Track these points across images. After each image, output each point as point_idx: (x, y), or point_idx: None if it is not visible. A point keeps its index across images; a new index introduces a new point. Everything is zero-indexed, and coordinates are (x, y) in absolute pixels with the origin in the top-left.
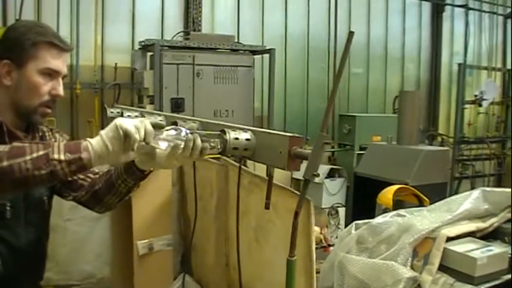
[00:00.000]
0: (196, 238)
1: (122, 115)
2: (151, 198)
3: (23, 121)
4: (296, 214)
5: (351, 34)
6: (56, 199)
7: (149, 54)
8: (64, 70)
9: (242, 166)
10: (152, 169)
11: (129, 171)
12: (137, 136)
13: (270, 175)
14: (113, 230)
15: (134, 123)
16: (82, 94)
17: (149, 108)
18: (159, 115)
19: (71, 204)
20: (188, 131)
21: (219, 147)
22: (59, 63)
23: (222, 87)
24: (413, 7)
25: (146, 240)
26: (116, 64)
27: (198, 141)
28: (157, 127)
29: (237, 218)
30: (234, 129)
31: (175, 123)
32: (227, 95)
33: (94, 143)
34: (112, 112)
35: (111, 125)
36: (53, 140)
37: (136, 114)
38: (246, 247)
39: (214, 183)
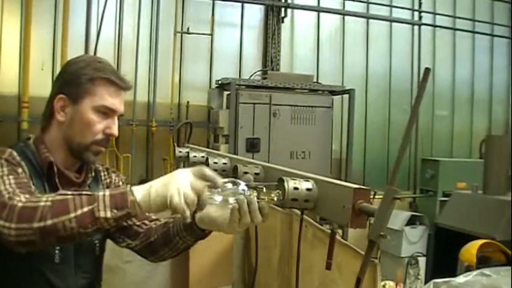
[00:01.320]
0: None
1: (188, 155)
2: (210, 246)
3: (75, 159)
4: (358, 281)
5: (426, 71)
6: None
7: (226, 93)
8: (121, 109)
9: (306, 217)
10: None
11: (188, 229)
12: (182, 207)
13: (332, 232)
14: (172, 276)
15: (183, 193)
16: (158, 131)
17: (223, 148)
18: (224, 157)
19: None
20: (245, 186)
21: (281, 198)
22: (116, 101)
23: (299, 127)
24: (502, 45)
25: None
26: (188, 102)
27: (254, 203)
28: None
29: (297, 275)
30: (294, 177)
31: (236, 168)
32: (304, 136)
33: (139, 198)
34: (180, 152)
35: (160, 185)
36: (108, 180)
37: (203, 154)
38: None
39: (278, 233)
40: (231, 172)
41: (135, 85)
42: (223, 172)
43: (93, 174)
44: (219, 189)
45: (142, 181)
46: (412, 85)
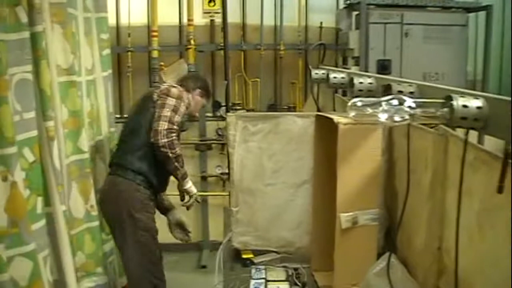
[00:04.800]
0: (404, 215)
1: (327, 77)
2: (359, 167)
3: None
4: None
5: None
6: (258, 163)
7: (354, 13)
8: None
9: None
10: None
11: None
12: None
13: (506, 153)
14: (316, 199)
15: None
16: (286, 55)
17: (354, 70)
18: (369, 76)
19: (273, 168)
20: (413, 103)
21: (448, 116)
22: None
23: (432, 48)
24: None
25: (350, 213)
26: (321, 23)
27: None
28: None
29: (459, 199)
30: (462, 95)
31: (389, 87)
32: (437, 56)
33: None
34: (316, 74)
35: None
36: None
37: (343, 75)
38: (465, 233)
39: (429, 156)
40: (380, 92)
41: (261, 9)
42: (368, 93)
43: None
44: (384, 106)
45: (270, 106)
46: None
